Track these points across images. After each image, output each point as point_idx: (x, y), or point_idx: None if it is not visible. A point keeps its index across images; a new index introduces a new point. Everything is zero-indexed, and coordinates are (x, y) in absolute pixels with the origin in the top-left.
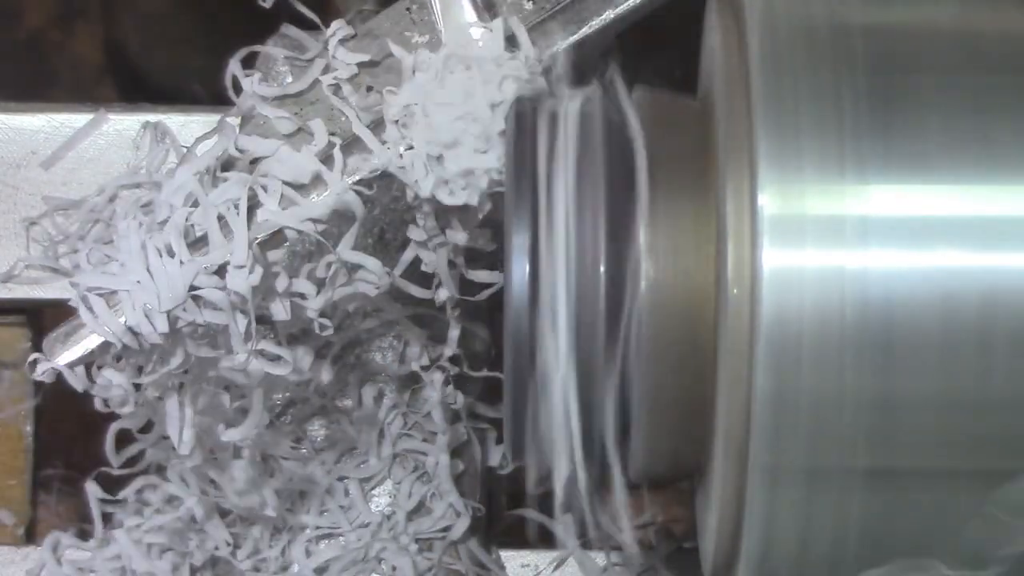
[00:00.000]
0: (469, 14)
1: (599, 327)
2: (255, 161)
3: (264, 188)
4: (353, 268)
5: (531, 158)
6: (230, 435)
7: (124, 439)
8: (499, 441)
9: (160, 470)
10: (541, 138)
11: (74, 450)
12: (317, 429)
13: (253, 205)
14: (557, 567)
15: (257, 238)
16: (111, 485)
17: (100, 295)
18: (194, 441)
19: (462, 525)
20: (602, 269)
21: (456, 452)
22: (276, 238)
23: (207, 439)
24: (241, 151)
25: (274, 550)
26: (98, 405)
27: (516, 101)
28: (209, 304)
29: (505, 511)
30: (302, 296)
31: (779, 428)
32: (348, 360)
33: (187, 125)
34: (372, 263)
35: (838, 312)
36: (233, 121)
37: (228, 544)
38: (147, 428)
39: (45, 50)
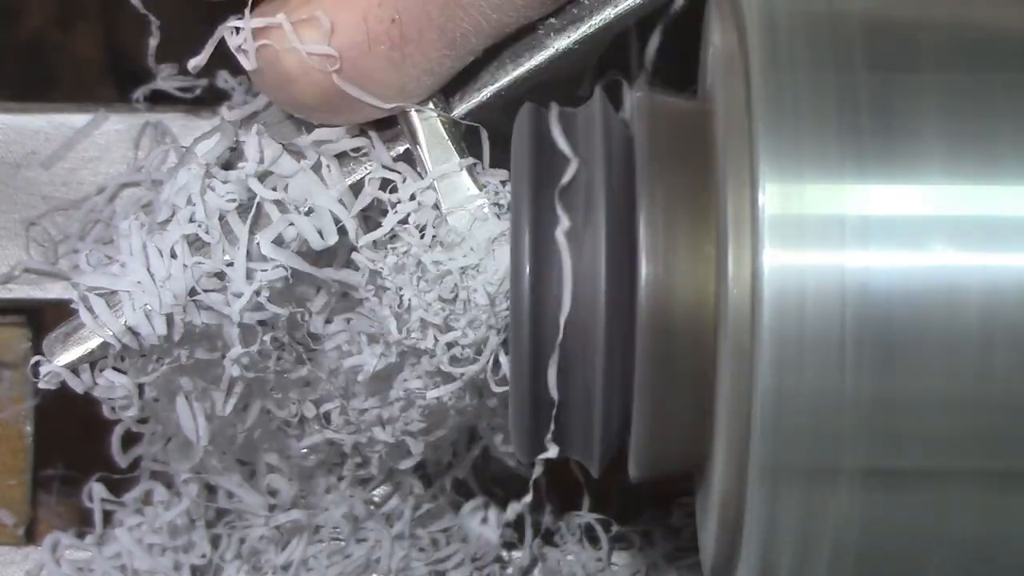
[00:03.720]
0: (470, 187)
1: (599, 327)
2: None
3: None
4: None
5: (533, 159)
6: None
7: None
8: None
9: (158, 473)
10: (542, 140)
11: (74, 450)
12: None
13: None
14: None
15: (259, 241)
16: (111, 485)
17: (100, 295)
18: (210, 434)
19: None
20: (603, 269)
21: (460, 453)
22: (278, 239)
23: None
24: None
25: (273, 550)
26: (107, 412)
27: (522, 106)
28: (209, 307)
29: (507, 512)
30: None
31: (780, 428)
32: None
33: (187, 125)
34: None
35: (838, 312)
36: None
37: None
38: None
39: (45, 50)
